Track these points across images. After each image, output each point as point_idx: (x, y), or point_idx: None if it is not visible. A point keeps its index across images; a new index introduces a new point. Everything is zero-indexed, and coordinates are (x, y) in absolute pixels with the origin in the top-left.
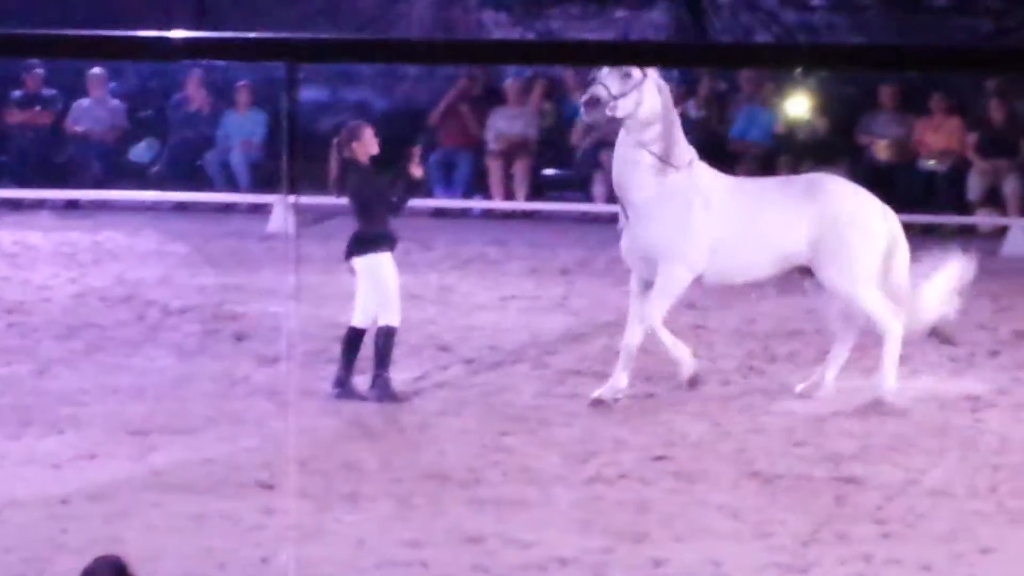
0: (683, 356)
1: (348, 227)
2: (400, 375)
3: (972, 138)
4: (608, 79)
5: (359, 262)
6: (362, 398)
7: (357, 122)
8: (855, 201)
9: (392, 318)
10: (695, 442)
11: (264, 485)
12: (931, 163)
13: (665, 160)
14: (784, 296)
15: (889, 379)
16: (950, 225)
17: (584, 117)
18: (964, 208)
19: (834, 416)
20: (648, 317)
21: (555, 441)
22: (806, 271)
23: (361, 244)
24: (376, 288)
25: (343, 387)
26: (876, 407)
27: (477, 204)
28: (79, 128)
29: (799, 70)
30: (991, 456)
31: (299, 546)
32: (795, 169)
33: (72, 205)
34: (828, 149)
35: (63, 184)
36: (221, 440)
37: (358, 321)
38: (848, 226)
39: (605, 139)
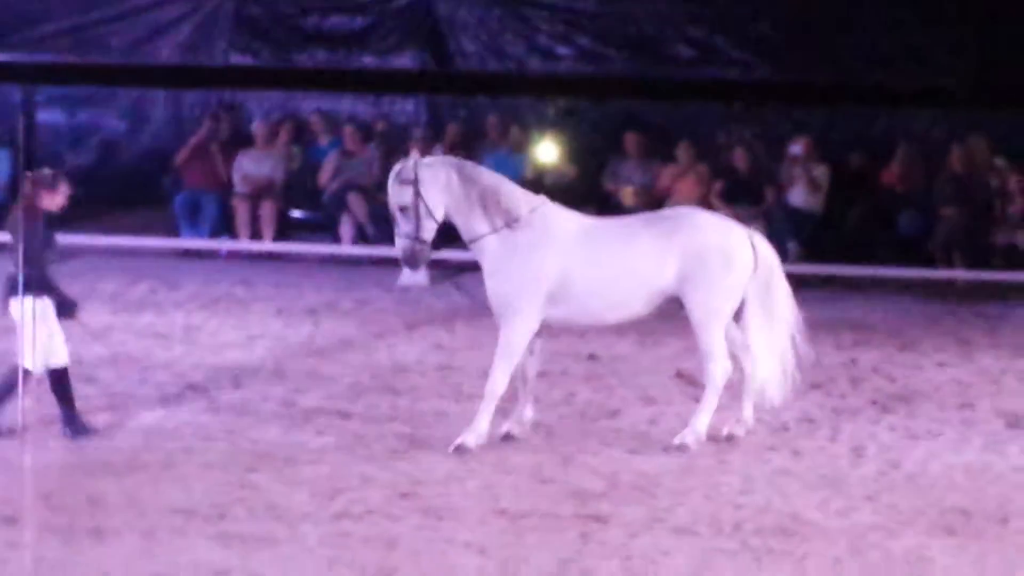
0: (482, 428)
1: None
2: (151, 413)
3: (717, 185)
4: (401, 226)
5: (18, 306)
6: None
7: (57, 173)
8: (720, 232)
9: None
10: (442, 479)
11: (6, 519)
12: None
13: (468, 234)
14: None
15: (699, 425)
16: None
17: (414, 272)
18: None
19: (580, 454)
20: (491, 383)
21: (302, 478)
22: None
23: (25, 288)
24: (41, 331)
25: (73, 425)
26: (678, 449)
27: (224, 245)
28: None
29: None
30: (735, 495)
31: None
32: None
33: None
34: (576, 195)
35: None
36: None
37: (55, 362)
38: (714, 256)
39: (352, 182)
